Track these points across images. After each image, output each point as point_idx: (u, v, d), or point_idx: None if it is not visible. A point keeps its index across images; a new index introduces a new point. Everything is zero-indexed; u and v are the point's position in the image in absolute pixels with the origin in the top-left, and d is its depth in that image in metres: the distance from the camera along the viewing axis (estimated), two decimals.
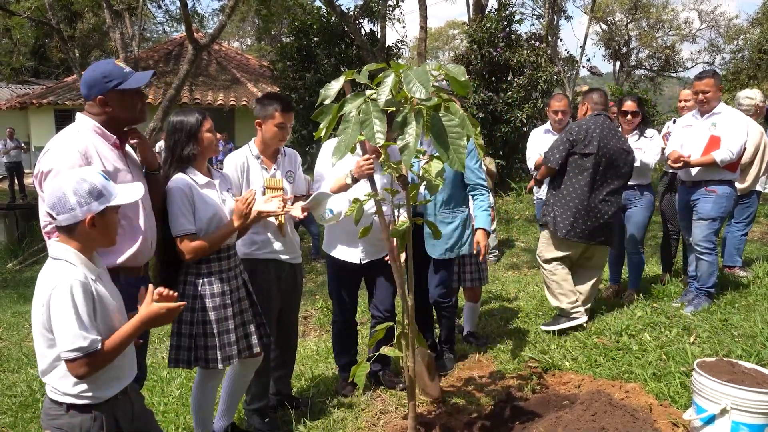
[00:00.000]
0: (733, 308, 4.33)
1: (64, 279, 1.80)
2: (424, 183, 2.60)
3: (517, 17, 11.00)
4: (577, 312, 4.24)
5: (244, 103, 17.79)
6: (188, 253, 2.68)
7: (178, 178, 2.72)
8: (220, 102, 17.71)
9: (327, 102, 2.45)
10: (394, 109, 2.45)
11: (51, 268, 1.87)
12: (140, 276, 2.59)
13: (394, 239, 2.70)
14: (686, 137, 4.52)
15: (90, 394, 1.89)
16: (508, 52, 10.49)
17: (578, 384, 3.42)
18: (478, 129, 2.57)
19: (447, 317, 3.94)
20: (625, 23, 25.71)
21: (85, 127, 2.49)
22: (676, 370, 3.40)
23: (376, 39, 12.38)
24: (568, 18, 17.15)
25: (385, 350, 2.77)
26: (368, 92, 2.39)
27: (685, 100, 5.22)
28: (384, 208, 3.26)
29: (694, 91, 4.44)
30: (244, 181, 3.14)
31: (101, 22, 17.49)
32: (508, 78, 10.59)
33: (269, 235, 3.17)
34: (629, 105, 4.78)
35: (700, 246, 4.35)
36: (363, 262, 3.54)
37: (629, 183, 4.75)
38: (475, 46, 10.66)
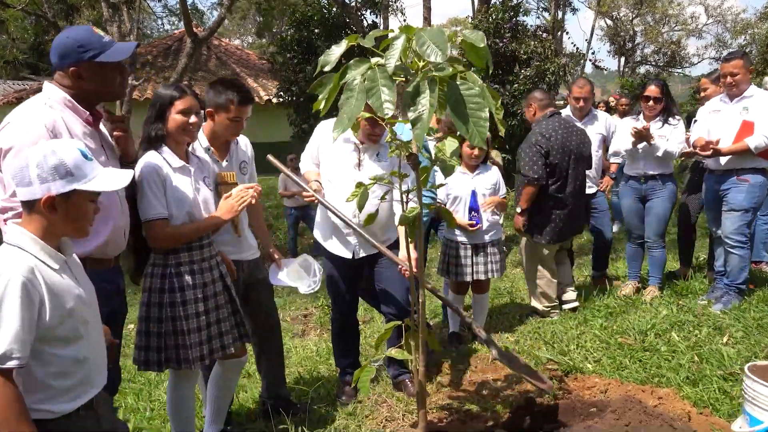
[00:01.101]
0: (766, 306, 4.02)
1: (5, 271, 1.50)
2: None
3: (524, 8, 10.67)
4: (553, 312, 4.36)
5: None
6: (158, 241, 2.42)
7: (149, 157, 2.46)
8: None
9: (327, 69, 2.15)
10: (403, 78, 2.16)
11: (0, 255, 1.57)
12: (110, 268, 2.29)
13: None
14: (714, 123, 4.20)
15: (41, 407, 1.57)
16: (514, 43, 10.16)
17: (604, 389, 3.11)
18: (499, 102, 2.26)
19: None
20: (631, 18, 25.34)
21: (54, 99, 2.18)
22: (712, 374, 3.09)
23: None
24: (574, 11, 16.77)
25: (392, 352, 2.46)
26: (374, 59, 2.09)
27: (704, 89, 4.89)
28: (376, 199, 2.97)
29: (723, 74, 4.13)
30: None
31: (98, 16, 17.19)
32: (515, 70, 10.26)
33: (224, 234, 2.83)
34: (653, 90, 4.46)
35: (731, 239, 4.04)
36: (357, 257, 3.25)
37: (650, 173, 4.46)
38: None
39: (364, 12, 11.56)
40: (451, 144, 2.31)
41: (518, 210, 4.16)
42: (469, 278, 3.96)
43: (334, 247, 3.28)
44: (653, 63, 26.41)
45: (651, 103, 4.44)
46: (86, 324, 1.68)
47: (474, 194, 3.95)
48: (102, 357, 1.77)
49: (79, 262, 1.77)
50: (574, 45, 14.68)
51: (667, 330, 3.76)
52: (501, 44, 10.09)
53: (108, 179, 1.71)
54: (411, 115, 2.01)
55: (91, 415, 1.70)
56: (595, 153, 4.90)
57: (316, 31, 11.32)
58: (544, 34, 10.57)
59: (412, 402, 3.21)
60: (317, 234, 3.41)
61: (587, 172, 4.82)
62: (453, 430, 2.97)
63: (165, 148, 2.51)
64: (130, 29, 15.97)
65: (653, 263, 4.61)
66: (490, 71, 2.19)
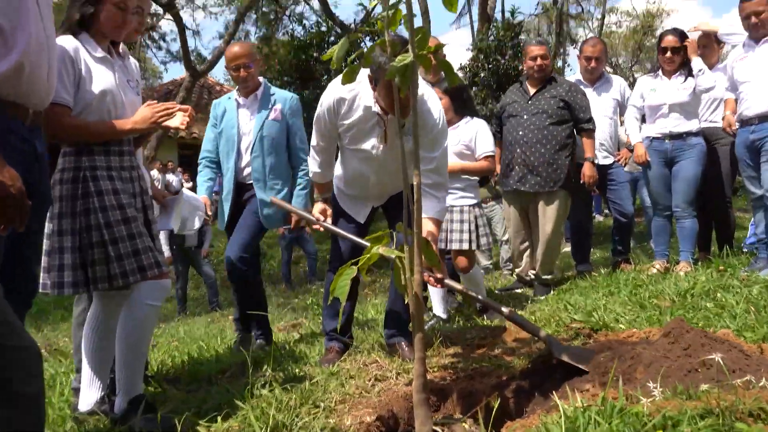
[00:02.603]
0: None
1: None
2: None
3: (525, 28, 10.55)
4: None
5: None
6: (55, 130, 2.02)
7: (63, 39, 2.08)
8: None
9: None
10: None
11: None
12: (26, 125, 1.77)
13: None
14: (743, 72, 3.75)
15: None
16: (516, 60, 9.96)
17: (645, 336, 2.52)
18: None
19: (248, 292, 3.39)
20: (630, 65, 25.54)
21: None
22: None
23: None
24: (574, 42, 16.66)
25: (381, 250, 1.91)
26: None
27: (704, 46, 4.40)
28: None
29: (745, 15, 3.69)
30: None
31: None
32: None
33: None
34: (670, 40, 4.04)
35: None
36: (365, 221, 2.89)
37: (678, 131, 3.99)
38: (482, 56, 10.12)
39: (363, 36, 11.40)
40: None
41: (595, 161, 4.09)
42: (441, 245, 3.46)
43: (349, 209, 2.89)
44: None
45: (669, 54, 4.02)
46: None
47: None
48: None
49: None
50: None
51: (711, 291, 3.18)
52: (503, 61, 9.87)
53: None
54: None
55: None
56: (610, 119, 4.46)
57: (315, 55, 11.15)
58: None
59: (408, 364, 2.62)
60: (335, 190, 2.94)
61: (601, 140, 4.38)
62: (459, 387, 2.38)
63: (85, 35, 2.13)
64: None
65: (684, 236, 4.05)
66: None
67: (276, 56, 11.81)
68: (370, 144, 2.63)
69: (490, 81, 9.95)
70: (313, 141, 2.78)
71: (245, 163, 3.33)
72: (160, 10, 15.32)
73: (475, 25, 11.96)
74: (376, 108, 2.57)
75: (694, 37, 4.21)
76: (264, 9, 17.69)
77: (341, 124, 2.64)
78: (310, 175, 2.92)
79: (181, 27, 12.81)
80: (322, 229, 2.77)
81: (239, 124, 3.33)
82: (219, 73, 38.69)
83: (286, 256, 9.16)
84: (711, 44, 4.32)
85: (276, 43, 15.02)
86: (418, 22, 1.94)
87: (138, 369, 2.11)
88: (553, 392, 1.97)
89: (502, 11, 10.80)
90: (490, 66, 10.10)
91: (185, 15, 15.91)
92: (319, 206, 2.82)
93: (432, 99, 2.61)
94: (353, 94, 2.58)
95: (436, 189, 2.56)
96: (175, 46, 17.97)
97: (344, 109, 2.60)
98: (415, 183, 1.90)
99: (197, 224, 2.89)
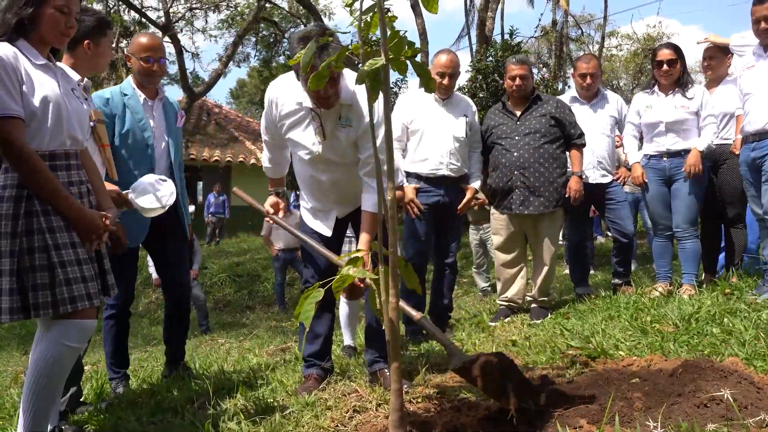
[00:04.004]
0: None
1: None
2: None
3: (524, 49, 10.48)
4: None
5: (241, 159, 17.32)
6: (4, 146, 1.84)
7: (0, 46, 1.91)
8: (215, 158, 17.18)
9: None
10: None
11: None
12: None
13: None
14: (750, 82, 3.54)
15: None
16: None
17: (646, 365, 2.32)
18: None
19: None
20: (631, 88, 25.50)
21: None
22: None
23: None
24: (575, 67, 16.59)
25: (351, 270, 1.73)
26: None
27: (710, 57, 4.22)
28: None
29: (755, 19, 3.47)
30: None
31: (96, 73, 17.29)
32: None
33: None
34: (665, 53, 3.88)
35: None
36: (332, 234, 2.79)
37: (675, 149, 3.83)
38: (480, 77, 10.02)
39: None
40: None
41: (583, 175, 3.97)
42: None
43: (314, 224, 2.80)
44: None
45: (665, 67, 3.87)
46: None
47: None
48: None
49: None
50: None
51: (716, 316, 2.98)
52: (501, 82, 9.77)
53: None
54: None
55: None
56: (608, 137, 4.30)
57: None
58: (545, 70, 10.28)
59: (389, 394, 2.42)
60: (301, 200, 2.93)
61: (599, 158, 4.22)
62: (443, 420, 2.17)
63: (23, 42, 1.97)
64: None
65: (686, 258, 3.85)
66: None
67: (275, 78, 11.72)
68: (310, 141, 2.60)
69: (488, 101, 9.83)
70: (264, 136, 2.83)
71: (160, 171, 3.01)
72: (159, 33, 15.33)
73: (474, 48, 11.91)
74: (307, 102, 2.53)
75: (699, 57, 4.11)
76: (263, 32, 17.76)
77: (281, 124, 2.64)
78: (264, 169, 2.95)
79: (179, 49, 12.83)
80: (272, 222, 2.84)
81: (153, 128, 3.00)
82: (218, 95, 38.75)
83: (279, 278, 8.96)
84: (718, 55, 4.15)
85: (276, 66, 15.00)
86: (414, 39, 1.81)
87: (47, 409, 1.93)
88: (544, 428, 1.78)
89: (501, 33, 10.75)
90: (488, 82, 10.00)
91: (185, 38, 15.95)
92: (270, 199, 2.84)
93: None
94: (287, 91, 2.60)
95: (372, 177, 2.40)
96: (174, 68, 18.01)
97: (279, 106, 2.61)
98: (388, 198, 1.74)
99: (170, 194, 2.63)
